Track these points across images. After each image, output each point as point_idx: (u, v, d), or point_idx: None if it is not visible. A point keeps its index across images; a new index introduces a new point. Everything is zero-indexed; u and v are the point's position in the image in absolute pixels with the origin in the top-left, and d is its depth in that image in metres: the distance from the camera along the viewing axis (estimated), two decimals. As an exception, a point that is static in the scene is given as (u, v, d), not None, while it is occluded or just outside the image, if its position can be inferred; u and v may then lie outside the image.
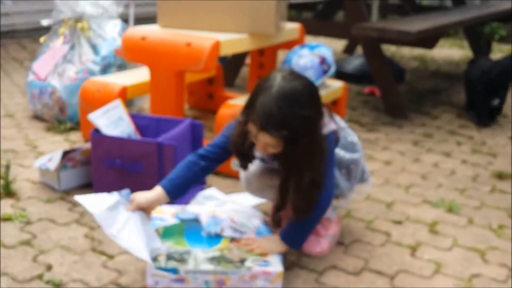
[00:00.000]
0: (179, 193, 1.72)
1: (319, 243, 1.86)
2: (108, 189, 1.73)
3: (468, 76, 3.60)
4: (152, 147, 2.02)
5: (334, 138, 1.73)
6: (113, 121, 2.17)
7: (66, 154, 2.20)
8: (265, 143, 1.55)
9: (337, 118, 1.85)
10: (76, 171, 2.27)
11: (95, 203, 1.57)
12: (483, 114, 3.48)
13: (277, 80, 1.52)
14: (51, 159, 2.22)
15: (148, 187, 2.03)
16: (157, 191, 1.68)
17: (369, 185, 1.99)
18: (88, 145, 2.21)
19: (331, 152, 1.68)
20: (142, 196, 1.67)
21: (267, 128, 1.50)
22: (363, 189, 2.00)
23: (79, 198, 1.61)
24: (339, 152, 1.80)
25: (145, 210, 1.67)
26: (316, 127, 1.57)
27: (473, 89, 3.52)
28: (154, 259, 1.57)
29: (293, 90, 1.50)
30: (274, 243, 1.72)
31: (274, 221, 1.83)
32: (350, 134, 1.87)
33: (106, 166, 2.09)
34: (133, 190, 1.85)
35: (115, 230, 1.54)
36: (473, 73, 3.51)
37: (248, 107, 1.56)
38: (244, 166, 1.76)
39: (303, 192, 1.63)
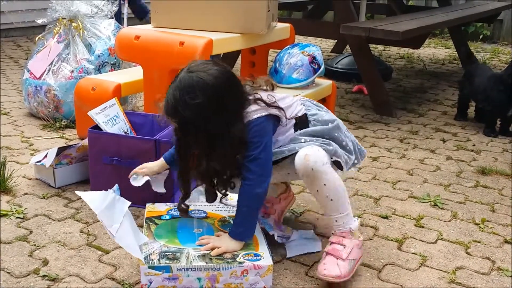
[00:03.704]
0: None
1: (338, 266, 1.70)
2: (106, 186, 1.74)
3: (476, 86, 3.34)
4: (149, 144, 2.04)
5: (286, 122, 1.72)
6: (110, 119, 2.19)
7: (61, 151, 2.23)
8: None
9: (310, 107, 1.86)
10: (72, 168, 2.29)
11: (95, 200, 1.59)
12: (494, 124, 3.31)
13: (183, 71, 1.62)
14: (47, 156, 2.24)
15: (145, 183, 2.07)
16: (161, 160, 1.91)
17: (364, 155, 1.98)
18: (83, 142, 2.24)
19: (259, 137, 1.63)
20: (151, 164, 1.92)
21: (165, 114, 1.61)
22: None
23: (81, 194, 1.62)
24: (313, 128, 1.79)
25: (153, 173, 1.91)
26: (216, 119, 1.57)
27: (487, 98, 3.25)
28: (147, 257, 1.58)
29: (188, 80, 1.57)
30: (227, 240, 1.67)
31: (179, 210, 1.84)
32: (323, 116, 1.88)
33: (104, 163, 2.10)
34: (130, 186, 1.88)
35: (114, 229, 1.56)
36: (483, 82, 3.28)
37: None
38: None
39: (203, 179, 1.72)
